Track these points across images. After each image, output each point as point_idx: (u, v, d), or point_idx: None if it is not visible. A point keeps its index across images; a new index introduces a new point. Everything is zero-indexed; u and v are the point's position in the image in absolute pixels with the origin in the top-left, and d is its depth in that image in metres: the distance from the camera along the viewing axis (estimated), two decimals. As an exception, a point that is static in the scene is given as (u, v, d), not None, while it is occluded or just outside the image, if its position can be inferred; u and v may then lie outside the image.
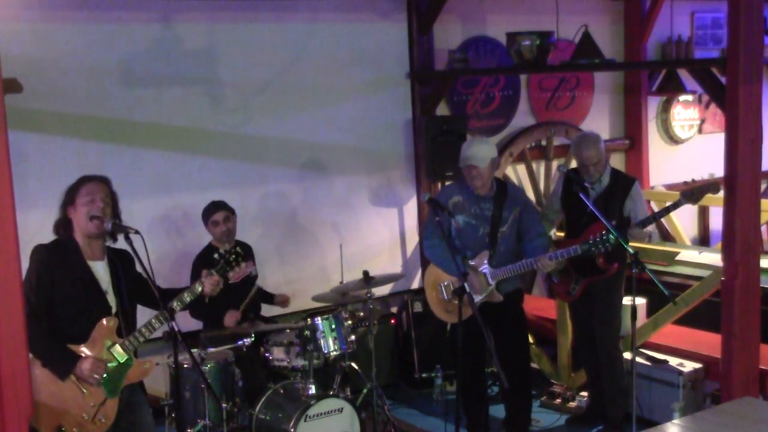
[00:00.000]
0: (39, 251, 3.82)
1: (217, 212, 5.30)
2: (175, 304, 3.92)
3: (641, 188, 5.43)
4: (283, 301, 5.61)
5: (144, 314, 4.01)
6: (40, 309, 3.73)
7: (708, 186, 5.03)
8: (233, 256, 4.13)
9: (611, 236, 4.65)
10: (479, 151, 4.85)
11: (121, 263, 3.93)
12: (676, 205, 5.07)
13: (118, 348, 3.84)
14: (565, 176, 5.27)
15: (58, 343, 3.75)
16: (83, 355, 3.76)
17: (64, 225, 3.86)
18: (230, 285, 5.23)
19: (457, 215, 4.94)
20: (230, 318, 5.14)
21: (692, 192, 5.01)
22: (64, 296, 3.77)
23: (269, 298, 5.61)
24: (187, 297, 3.96)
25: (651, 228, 5.13)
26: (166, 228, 5.76)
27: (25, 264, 3.74)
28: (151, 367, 3.99)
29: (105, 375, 3.77)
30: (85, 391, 3.76)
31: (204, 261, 5.24)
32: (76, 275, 3.80)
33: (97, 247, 3.87)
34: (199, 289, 3.99)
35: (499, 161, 5.12)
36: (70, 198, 3.86)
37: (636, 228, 5.02)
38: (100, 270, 3.87)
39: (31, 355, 3.70)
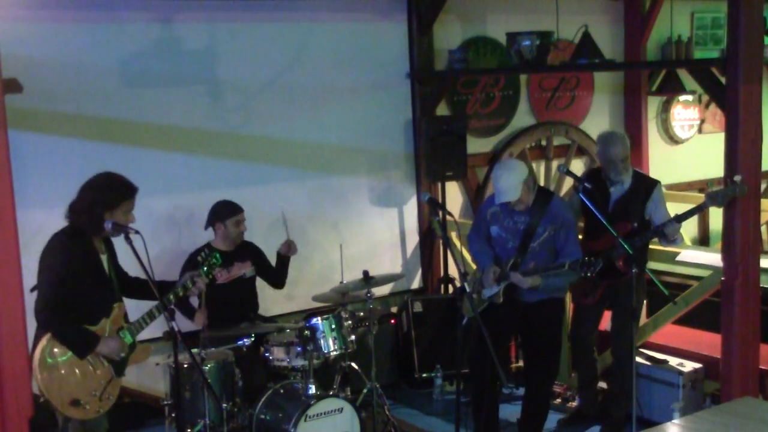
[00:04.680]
0: (62, 242, 3.96)
1: (239, 213, 5.35)
2: (172, 296, 4.24)
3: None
4: (289, 248, 5.54)
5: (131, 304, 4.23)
6: (65, 296, 3.88)
7: (734, 190, 4.93)
8: (213, 260, 4.49)
9: (597, 263, 4.58)
10: (507, 182, 4.73)
11: (112, 255, 4.20)
12: (701, 208, 5.03)
13: (125, 332, 4.10)
14: (581, 179, 5.22)
15: (78, 326, 3.95)
16: (102, 335, 4.00)
17: (94, 222, 3.96)
18: (218, 285, 5.26)
19: (492, 225, 4.96)
20: (199, 318, 5.12)
21: (717, 195, 4.94)
22: (81, 283, 3.95)
23: (280, 262, 5.59)
24: (180, 291, 4.28)
25: (677, 226, 5.10)
26: (165, 228, 5.76)
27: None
28: (149, 350, 4.30)
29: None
30: (97, 370, 3.98)
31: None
32: (92, 266, 4.01)
33: (101, 242, 4.11)
34: (191, 285, 4.29)
35: (532, 177, 4.90)
36: (112, 202, 3.98)
37: (672, 224, 4.96)
38: (105, 262, 4.10)
39: (48, 338, 3.87)
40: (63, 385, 3.89)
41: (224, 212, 5.33)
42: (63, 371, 3.89)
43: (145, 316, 4.14)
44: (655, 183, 5.27)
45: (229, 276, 5.31)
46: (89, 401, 3.95)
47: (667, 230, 4.99)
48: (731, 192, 4.89)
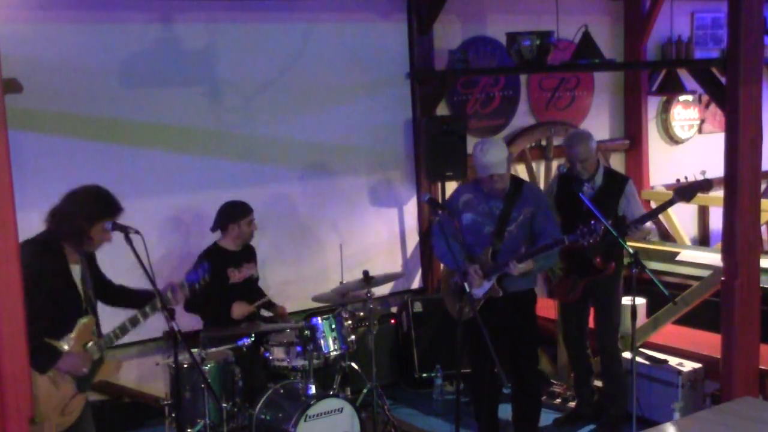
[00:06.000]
0: (28, 248, 3.77)
1: (251, 213, 5.35)
2: (149, 309, 3.99)
3: (635, 187, 5.42)
4: (282, 314, 5.57)
5: (106, 313, 4.12)
6: (27, 309, 3.67)
7: (700, 184, 5.06)
8: (202, 280, 4.25)
9: (599, 227, 4.53)
10: (496, 156, 4.77)
11: (89, 264, 4.02)
12: (669, 203, 5.11)
13: (92, 346, 3.92)
14: (560, 176, 5.28)
15: (39, 340, 3.78)
16: (64, 350, 3.83)
17: (73, 232, 3.84)
18: (231, 285, 5.27)
19: (464, 213, 4.93)
20: (239, 309, 5.14)
21: (685, 190, 5.03)
22: (47, 295, 3.79)
23: (269, 305, 5.60)
24: (158, 304, 3.98)
25: (649, 225, 5.14)
26: (165, 228, 5.76)
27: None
28: (118, 366, 4.16)
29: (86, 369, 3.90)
30: (59, 386, 3.83)
31: (209, 260, 5.25)
32: (60, 276, 3.85)
33: (77, 252, 3.94)
34: (170, 295, 4.09)
35: (512, 156, 5.06)
36: (94, 216, 3.83)
37: (631, 228, 5.05)
38: (76, 273, 3.93)
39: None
40: None
41: (237, 213, 5.33)
42: None
43: (117, 330, 3.97)
44: (626, 180, 5.33)
45: (240, 276, 5.32)
46: (48, 418, 3.79)
47: (646, 225, 5.06)
48: (697, 186, 4.96)
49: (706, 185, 5.05)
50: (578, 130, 5.55)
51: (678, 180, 4.67)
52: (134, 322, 3.99)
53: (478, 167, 4.85)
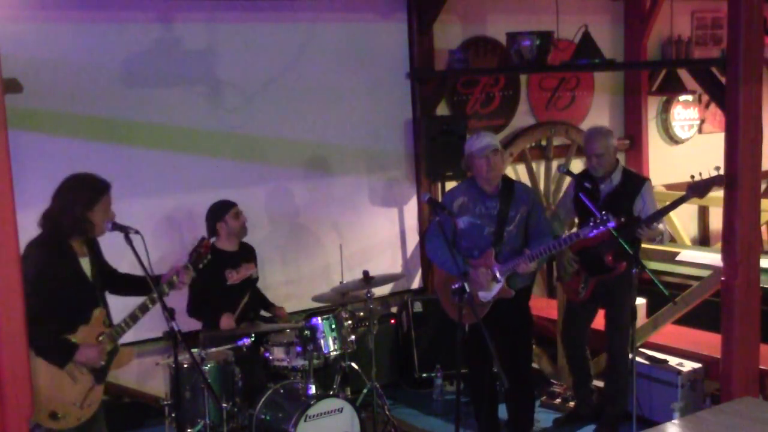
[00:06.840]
0: (37, 250, 3.86)
1: (234, 206, 5.33)
2: (166, 289, 4.06)
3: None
4: (281, 315, 5.57)
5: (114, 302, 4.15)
6: (40, 307, 3.76)
7: (714, 180, 5.00)
8: (202, 249, 4.29)
9: (610, 217, 4.51)
10: (491, 138, 4.88)
11: (95, 254, 4.06)
12: (683, 199, 5.04)
13: (105, 336, 3.96)
14: (575, 177, 5.25)
15: (55, 336, 3.85)
16: (79, 343, 3.87)
17: (77, 223, 3.87)
18: (230, 286, 5.28)
19: (460, 217, 4.88)
20: (226, 321, 5.12)
21: (698, 185, 4.98)
22: (59, 292, 3.85)
23: (267, 305, 5.60)
24: (165, 288, 4.10)
25: (661, 227, 5.09)
26: (166, 228, 5.76)
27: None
28: (132, 354, 4.19)
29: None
30: (76, 380, 3.88)
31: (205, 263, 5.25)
32: (70, 271, 3.90)
33: (82, 244, 3.98)
34: (176, 280, 4.12)
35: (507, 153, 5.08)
36: (90, 201, 3.89)
37: (642, 227, 4.97)
38: (86, 265, 3.97)
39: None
40: (41, 397, 3.76)
41: (220, 210, 5.33)
42: (44, 381, 3.78)
43: (128, 319, 4.01)
44: (643, 180, 5.29)
45: (238, 277, 5.31)
46: (68, 412, 3.85)
47: (659, 226, 5.02)
48: (711, 182, 4.93)
49: (719, 181, 4.99)
50: (598, 126, 5.53)
51: (692, 176, 4.67)
52: (144, 309, 4.03)
53: (476, 152, 4.82)
